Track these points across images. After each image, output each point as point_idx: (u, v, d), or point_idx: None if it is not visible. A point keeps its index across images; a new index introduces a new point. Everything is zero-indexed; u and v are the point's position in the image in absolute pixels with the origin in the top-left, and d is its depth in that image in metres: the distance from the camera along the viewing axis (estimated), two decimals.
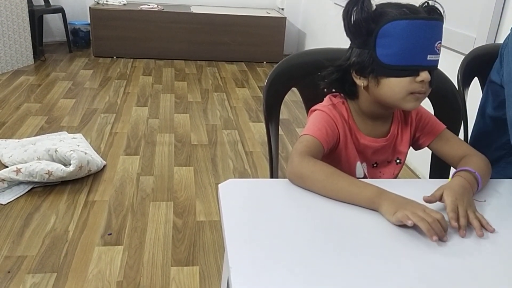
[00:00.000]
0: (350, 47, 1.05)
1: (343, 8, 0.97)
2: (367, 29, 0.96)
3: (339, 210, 0.86)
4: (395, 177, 1.16)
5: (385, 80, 0.98)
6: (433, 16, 0.96)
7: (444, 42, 2.41)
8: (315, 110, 1.08)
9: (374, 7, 0.96)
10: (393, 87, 0.98)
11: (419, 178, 2.64)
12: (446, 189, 0.88)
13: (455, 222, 0.81)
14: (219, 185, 0.89)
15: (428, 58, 0.95)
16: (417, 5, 0.99)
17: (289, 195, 0.90)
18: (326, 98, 1.11)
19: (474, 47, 1.51)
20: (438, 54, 0.97)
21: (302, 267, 0.69)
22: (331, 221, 0.83)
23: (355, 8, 0.95)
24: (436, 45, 0.96)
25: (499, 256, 0.77)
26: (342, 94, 1.11)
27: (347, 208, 0.87)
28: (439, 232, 0.78)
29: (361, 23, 0.95)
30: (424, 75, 0.96)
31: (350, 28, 0.98)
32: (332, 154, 1.06)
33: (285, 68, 1.19)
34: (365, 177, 1.12)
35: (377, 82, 0.99)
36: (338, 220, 0.83)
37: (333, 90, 1.23)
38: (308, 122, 1.06)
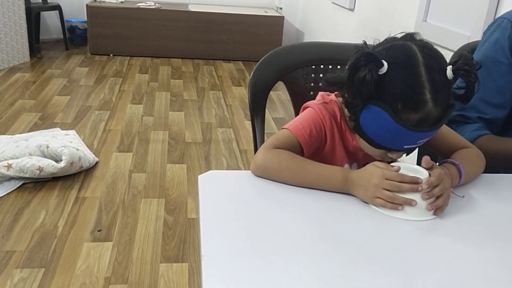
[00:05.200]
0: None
1: (354, 57, 0.85)
2: (361, 91, 0.85)
3: (318, 201, 0.85)
4: None
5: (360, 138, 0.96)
6: (425, 127, 0.86)
7: (438, 40, 2.39)
8: (307, 107, 1.04)
9: (385, 69, 0.84)
10: (365, 146, 0.96)
11: None
12: (436, 167, 0.86)
13: (427, 196, 0.82)
14: (199, 176, 0.88)
15: (404, 147, 0.91)
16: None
17: (269, 187, 0.89)
18: (319, 95, 1.06)
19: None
20: (420, 144, 0.91)
21: (276, 256, 0.68)
22: (308, 212, 0.82)
23: (363, 68, 0.83)
24: (419, 141, 0.90)
25: (476, 247, 0.76)
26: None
27: (326, 199, 0.86)
28: (401, 202, 0.82)
29: (361, 84, 0.84)
30: (397, 155, 0.93)
31: (350, 80, 0.86)
32: (318, 155, 1.03)
33: (271, 61, 1.18)
34: None
35: (354, 131, 0.97)
36: (316, 211, 0.82)
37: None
38: (296, 117, 1.03)
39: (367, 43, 0.92)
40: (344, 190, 0.88)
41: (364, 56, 0.83)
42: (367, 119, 0.90)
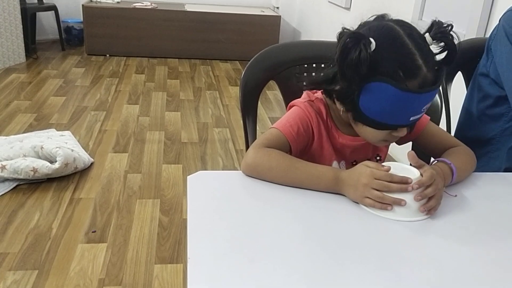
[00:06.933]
0: (336, 66, 0.89)
1: (342, 41, 0.84)
2: (358, 72, 0.84)
3: (306, 201, 0.84)
4: (375, 155, 1.12)
5: (361, 125, 0.94)
6: (428, 88, 0.86)
7: None
8: (293, 105, 1.05)
9: (374, 46, 0.85)
10: (368, 134, 0.95)
11: None
12: (427, 167, 0.86)
13: (419, 197, 0.81)
14: (188, 176, 0.87)
15: (410, 119, 0.90)
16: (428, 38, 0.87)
17: (258, 187, 0.88)
18: (304, 94, 1.06)
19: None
20: (423, 112, 0.91)
21: (264, 257, 0.67)
22: (297, 212, 0.81)
23: (354, 48, 0.83)
24: (423, 108, 0.89)
25: (467, 247, 0.75)
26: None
27: (315, 199, 0.85)
28: (390, 202, 0.81)
29: (355, 67, 0.83)
30: (401, 132, 0.93)
31: (342, 68, 0.85)
32: (306, 153, 1.03)
33: (262, 60, 1.17)
34: None
35: (354, 121, 0.95)
36: (305, 211, 0.81)
37: None
38: (283, 116, 1.03)
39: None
40: (335, 189, 0.87)
41: (352, 37, 0.84)
42: (368, 101, 0.88)
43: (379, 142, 0.97)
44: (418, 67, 0.85)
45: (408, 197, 0.80)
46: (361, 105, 0.89)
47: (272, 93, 3.87)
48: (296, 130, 0.97)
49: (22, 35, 4.21)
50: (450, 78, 1.36)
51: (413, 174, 0.82)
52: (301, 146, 1.00)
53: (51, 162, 2.31)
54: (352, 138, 1.04)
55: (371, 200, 0.82)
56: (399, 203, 0.80)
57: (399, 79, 0.84)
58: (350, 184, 0.84)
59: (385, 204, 0.81)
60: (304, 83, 1.10)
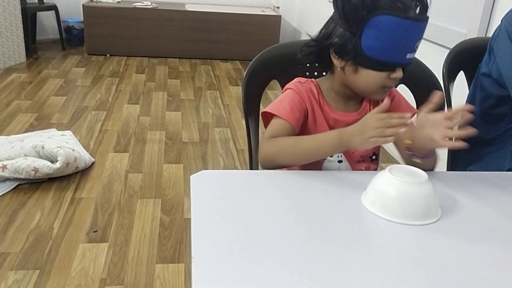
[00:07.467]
0: (333, 23, 1.01)
1: None
2: (359, 15, 0.93)
3: (309, 202, 0.84)
4: (371, 154, 1.14)
5: (363, 70, 0.99)
6: (422, 16, 0.95)
7: (433, 38, 2.39)
8: (285, 90, 1.10)
9: None
10: (369, 79, 0.99)
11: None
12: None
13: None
14: (191, 176, 0.87)
15: (407, 57, 0.97)
16: None
17: (260, 186, 0.88)
18: (295, 79, 1.12)
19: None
20: (416, 51, 0.99)
21: (267, 257, 0.67)
22: (300, 212, 0.81)
23: None
24: (416, 43, 0.97)
25: (468, 247, 0.75)
26: (312, 79, 1.13)
27: (318, 200, 0.85)
28: (391, 133, 0.86)
29: (357, 7, 0.92)
30: (399, 73, 0.99)
31: (344, 10, 0.94)
32: (303, 131, 1.08)
33: (264, 59, 1.17)
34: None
35: (355, 69, 1.00)
36: (307, 212, 0.81)
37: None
38: (274, 101, 1.08)
39: None
40: (341, 144, 0.91)
41: None
42: (370, 39, 0.94)
43: (378, 91, 1.02)
44: (409, 5, 0.93)
45: (407, 202, 0.80)
46: (363, 45, 0.95)
47: (273, 92, 3.87)
48: (289, 108, 1.02)
49: (22, 35, 4.21)
50: (452, 78, 1.36)
51: (420, 177, 0.83)
52: (300, 121, 1.05)
53: (52, 161, 2.31)
54: (344, 114, 1.09)
55: (375, 138, 0.86)
56: (404, 123, 0.84)
57: (399, 10, 0.92)
58: (355, 130, 0.89)
59: (388, 137, 0.85)
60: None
